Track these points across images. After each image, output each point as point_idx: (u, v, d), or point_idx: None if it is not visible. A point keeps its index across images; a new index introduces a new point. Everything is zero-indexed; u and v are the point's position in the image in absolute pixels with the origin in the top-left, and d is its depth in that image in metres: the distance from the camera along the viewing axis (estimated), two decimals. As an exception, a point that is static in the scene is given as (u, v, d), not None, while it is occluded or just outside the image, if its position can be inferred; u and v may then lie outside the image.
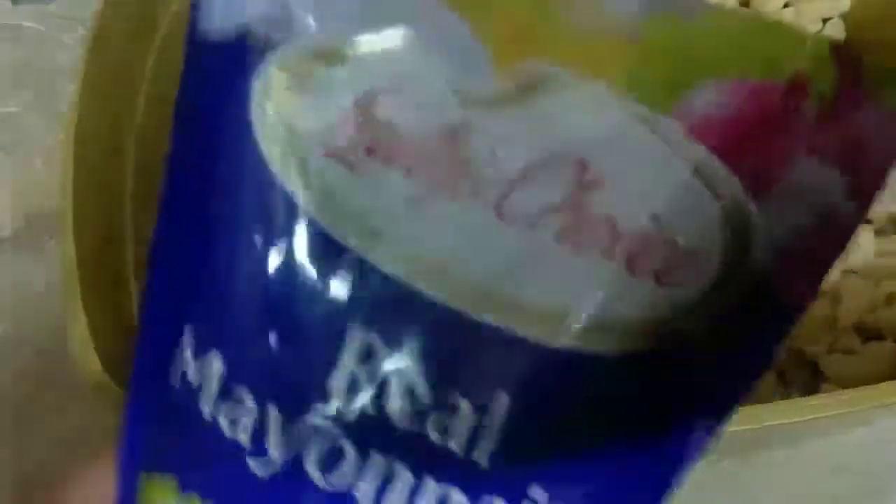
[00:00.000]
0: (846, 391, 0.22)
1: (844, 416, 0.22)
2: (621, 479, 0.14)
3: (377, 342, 0.14)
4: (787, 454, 0.32)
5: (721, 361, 0.14)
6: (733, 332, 0.14)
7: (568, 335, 0.14)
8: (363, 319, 0.14)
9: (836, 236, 0.14)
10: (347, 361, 0.14)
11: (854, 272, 0.30)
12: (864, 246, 0.30)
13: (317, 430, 0.14)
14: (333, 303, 0.14)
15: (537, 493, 0.14)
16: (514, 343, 0.14)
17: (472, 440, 0.14)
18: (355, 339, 0.14)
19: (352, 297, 0.14)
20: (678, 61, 0.13)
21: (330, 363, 0.14)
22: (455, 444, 0.14)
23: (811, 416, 0.22)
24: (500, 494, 0.14)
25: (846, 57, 0.13)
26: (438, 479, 0.14)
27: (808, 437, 0.31)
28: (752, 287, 0.14)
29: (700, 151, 0.13)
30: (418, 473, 0.14)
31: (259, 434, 0.14)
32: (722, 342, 0.14)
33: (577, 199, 0.13)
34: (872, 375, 0.28)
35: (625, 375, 0.14)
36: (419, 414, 0.14)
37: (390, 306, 0.14)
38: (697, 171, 0.13)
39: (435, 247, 0.14)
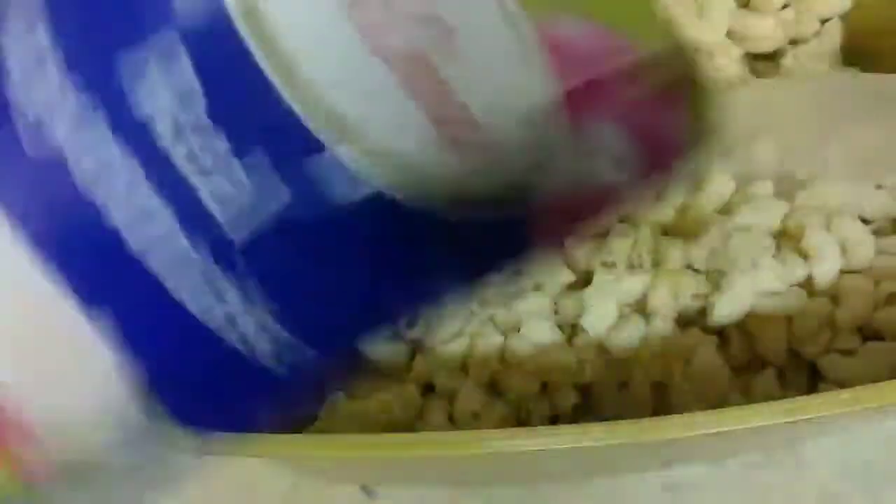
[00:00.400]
0: (846, 390, 0.21)
1: (845, 416, 0.22)
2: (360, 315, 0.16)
3: (189, 70, 0.14)
4: (786, 454, 0.32)
5: (455, 248, 0.15)
6: (479, 236, 0.15)
7: (361, 156, 0.14)
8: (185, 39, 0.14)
9: (600, 203, 0.16)
10: (152, 69, 0.14)
11: (854, 272, 0.29)
12: (863, 246, 0.30)
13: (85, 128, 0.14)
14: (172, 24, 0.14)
15: (276, 328, 0.15)
16: (302, 133, 0.14)
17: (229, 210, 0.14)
18: (166, 52, 0.14)
19: (181, 24, 0.14)
20: None
21: (138, 67, 0.14)
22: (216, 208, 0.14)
23: (810, 416, 0.22)
24: (232, 280, 0.15)
25: (686, 62, 0.15)
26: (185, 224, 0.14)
27: (807, 438, 0.31)
28: (520, 203, 0.15)
29: (543, 64, 0.14)
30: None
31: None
32: (465, 234, 0.15)
33: (426, 54, 0.14)
34: (871, 376, 0.27)
35: (391, 213, 0.15)
36: (185, 145, 0.14)
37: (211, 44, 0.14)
38: (529, 79, 0.14)
39: (287, 29, 0.14)
